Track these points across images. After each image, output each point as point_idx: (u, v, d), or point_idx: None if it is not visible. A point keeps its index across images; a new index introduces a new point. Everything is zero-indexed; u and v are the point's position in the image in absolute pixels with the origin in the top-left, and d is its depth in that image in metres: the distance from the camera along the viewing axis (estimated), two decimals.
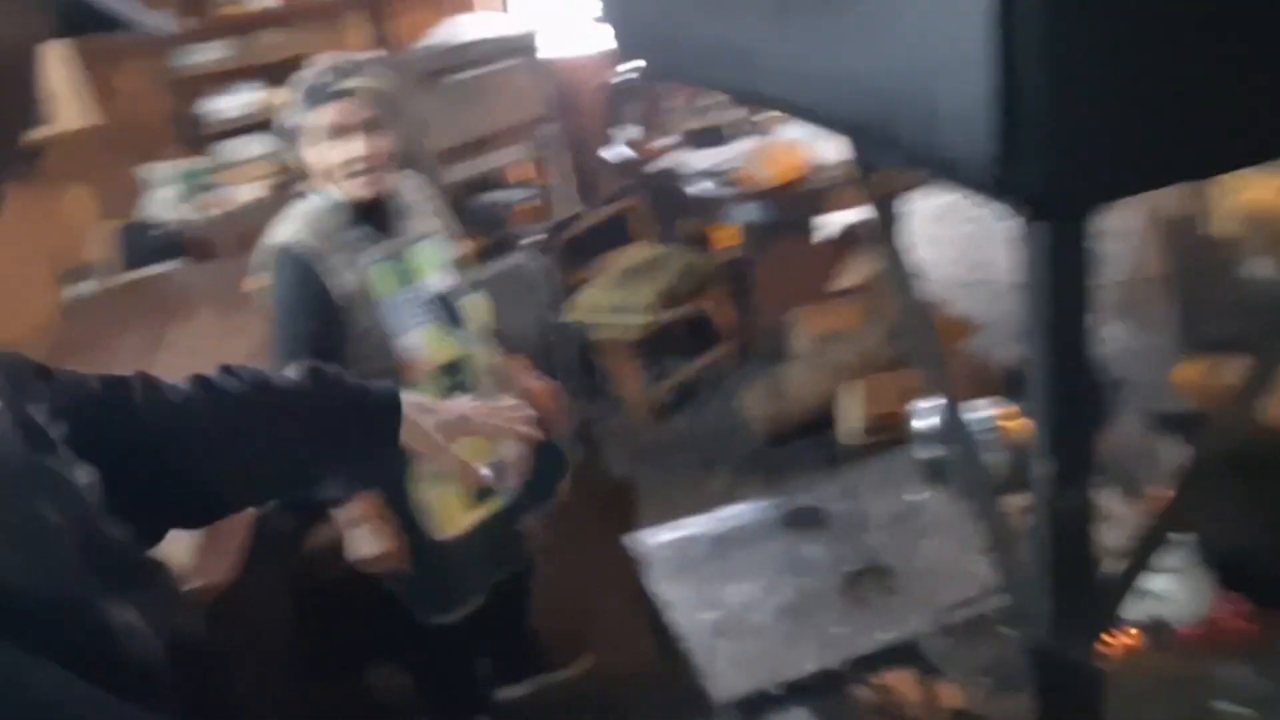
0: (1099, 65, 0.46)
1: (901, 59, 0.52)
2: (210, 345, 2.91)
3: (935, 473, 1.71)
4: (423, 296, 2.11)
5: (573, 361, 4.05)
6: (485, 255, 5.21)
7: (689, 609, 1.63)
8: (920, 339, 0.93)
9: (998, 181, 0.48)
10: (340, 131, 2.00)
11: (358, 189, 2.03)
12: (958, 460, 1.46)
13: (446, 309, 2.16)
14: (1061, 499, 0.65)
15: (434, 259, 2.18)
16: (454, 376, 2.15)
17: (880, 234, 1.04)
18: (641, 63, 0.96)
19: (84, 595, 0.63)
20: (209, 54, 4.87)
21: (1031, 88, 0.45)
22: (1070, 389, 0.62)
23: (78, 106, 4.19)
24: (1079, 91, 0.46)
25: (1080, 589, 0.68)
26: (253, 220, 2.97)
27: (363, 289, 2.03)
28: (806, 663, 1.46)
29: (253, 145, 4.93)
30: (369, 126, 2.01)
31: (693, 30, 0.80)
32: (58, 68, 4.17)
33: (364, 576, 2.05)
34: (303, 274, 1.99)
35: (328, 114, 1.99)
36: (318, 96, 2.00)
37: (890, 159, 0.65)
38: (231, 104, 4.87)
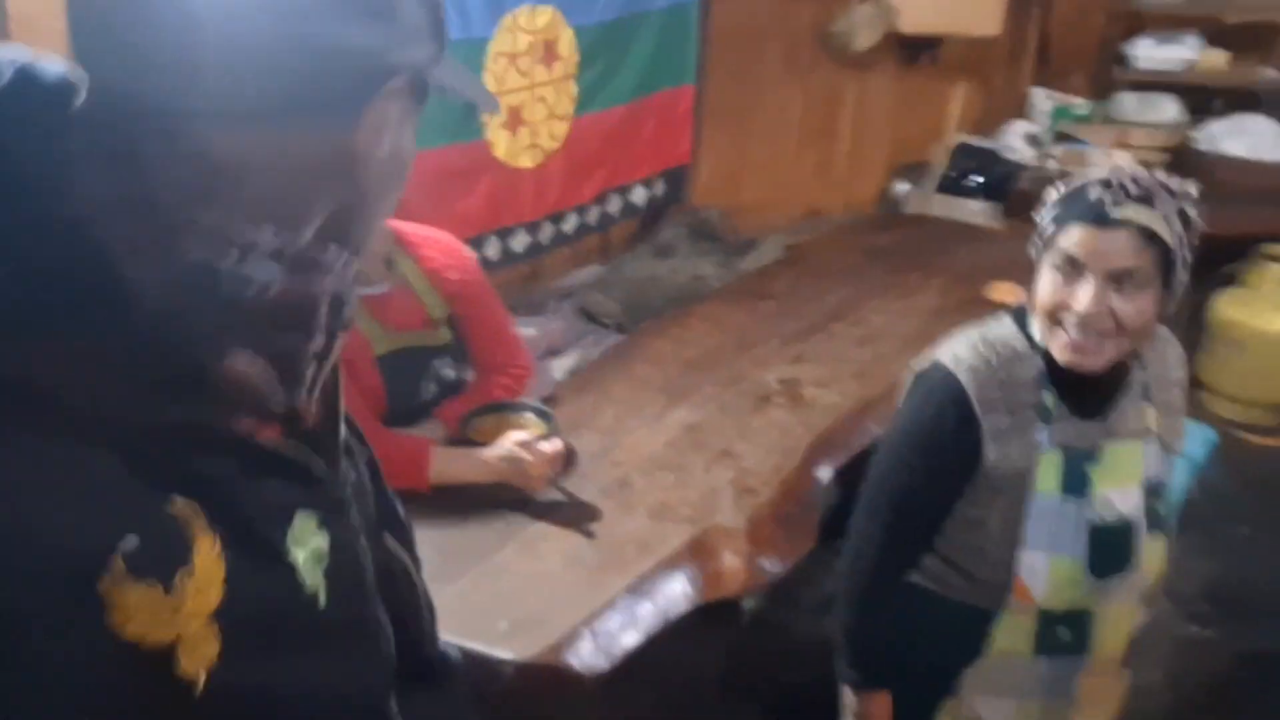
0: None
1: None
2: (895, 327, 2.55)
3: None
4: (1088, 517, 1.47)
5: None
6: None
7: None
8: None
9: None
10: (1072, 269, 1.38)
11: (1061, 351, 1.41)
12: None
13: (1111, 545, 1.48)
14: None
15: (1131, 472, 1.49)
16: (1062, 629, 1.51)
17: None
18: None
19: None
20: None
21: None
22: None
23: (988, 13, 3.85)
24: None
25: None
26: None
27: (1018, 472, 1.46)
28: None
29: (1155, 108, 4.15)
30: (1115, 278, 1.35)
31: None
32: None
33: None
34: (956, 410, 1.47)
35: (1069, 238, 1.37)
36: (1071, 212, 1.38)
37: None
38: (1159, 54, 4.10)
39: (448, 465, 1.80)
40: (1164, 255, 1.35)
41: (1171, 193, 1.36)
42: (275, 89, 0.55)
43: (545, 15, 2.74)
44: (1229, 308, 3.72)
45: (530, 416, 1.95)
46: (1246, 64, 4.10)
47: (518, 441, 1.80)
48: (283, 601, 0.58)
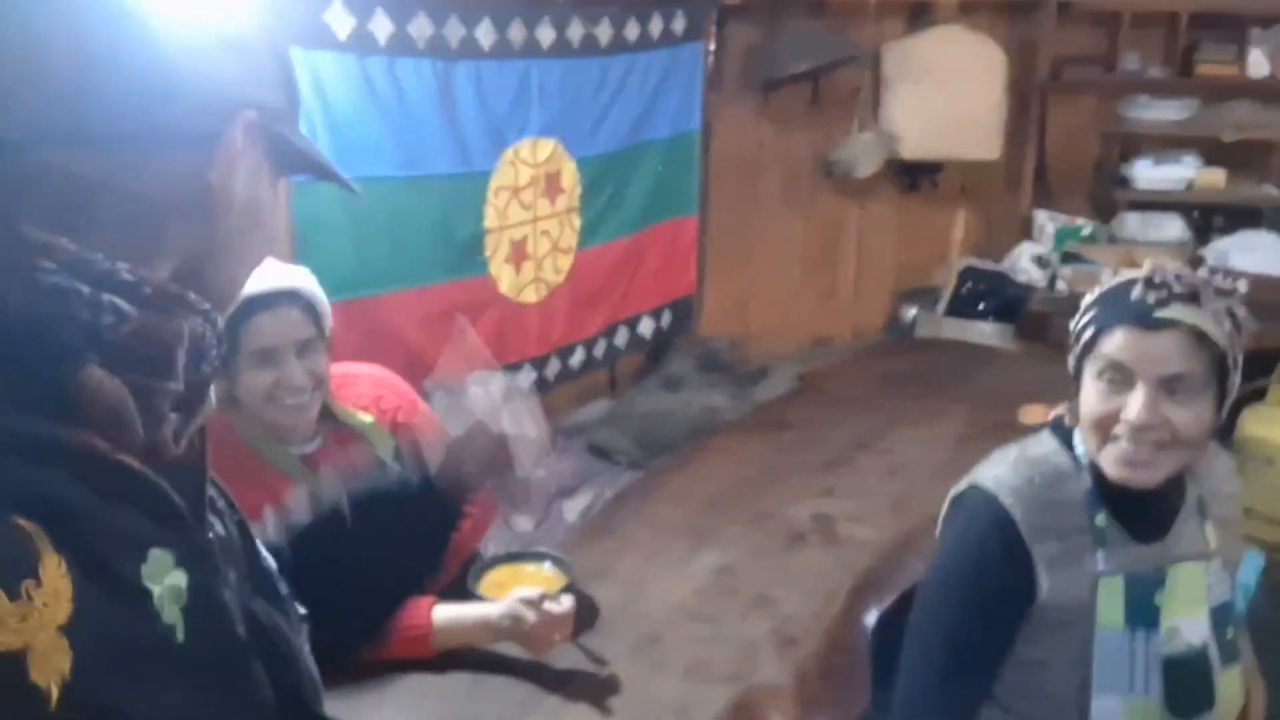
0: None
1: None
2: (925, 456, 2.38)
3: None
4: (1160, 651, 1.31)
5: None
6: None
7: None
8: None
9: None
10: (1120, 376, 1.26)
11: (1114, 466, 1.28)
12: None
13: (1188, 680, 1.33)
14: None
15: (1197, 597, 1.34)
16: None
17: None
18: None
19: None
20: (1164, 113, 4.12)
21: None
22: None
23: (987, 138, 3.85)
24: None
25: None
26: None
27: (1078, 605, 1.31)
28: None
29: (1159, 227, 4.12)
30: (1167, 385, 1.23)
31: None
32: (994, 93, 3.87)
33: None
34: (1001, 537, 1.34)
35: (1113, 343, 1.26)
36: (1113, 315, 1.28)
37: None
38: (1157, 174, 4.09)
39: (450, 628, 1.61)
40: (1216, 358, 1.24)
41: (1219, 290, 1.26)
42: (125, 114, 0.58)
43: (547, 148, 2.69)
44: (1256, 425, 3.59)
45: (547, 567, 1.78)
46: (1245, 181, 4.09)
47: (523, 599, 1.62)
48: (136, 627, 0.57)
